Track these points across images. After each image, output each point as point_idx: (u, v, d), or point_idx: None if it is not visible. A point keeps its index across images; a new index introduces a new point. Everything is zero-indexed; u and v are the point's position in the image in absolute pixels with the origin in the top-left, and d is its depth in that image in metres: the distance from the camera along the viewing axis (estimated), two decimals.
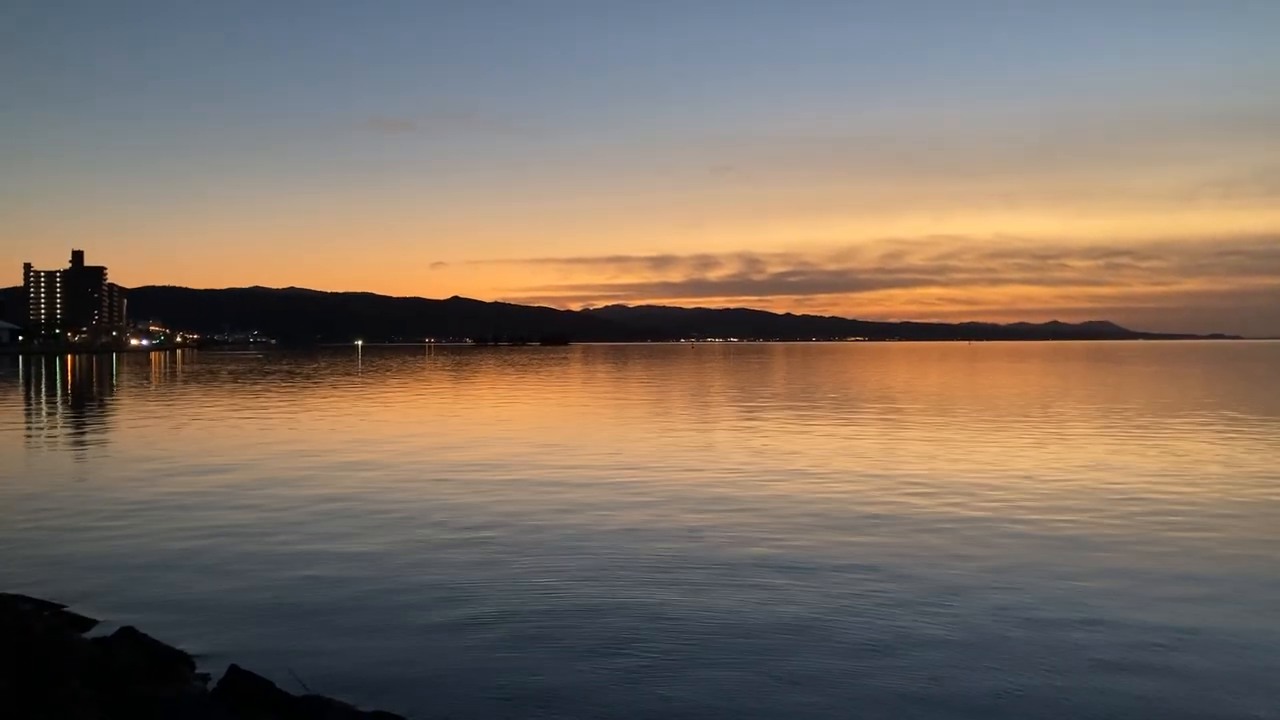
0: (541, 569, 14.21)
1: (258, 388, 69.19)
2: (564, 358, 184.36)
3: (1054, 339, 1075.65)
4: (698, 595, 12.80)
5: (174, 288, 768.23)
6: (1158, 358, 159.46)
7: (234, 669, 9.41)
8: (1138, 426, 35.36)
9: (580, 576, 13.78)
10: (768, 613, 12.01)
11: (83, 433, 35.95)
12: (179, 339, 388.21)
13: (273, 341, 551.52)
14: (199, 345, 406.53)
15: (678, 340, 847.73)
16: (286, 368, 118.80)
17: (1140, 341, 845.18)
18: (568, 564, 14.51)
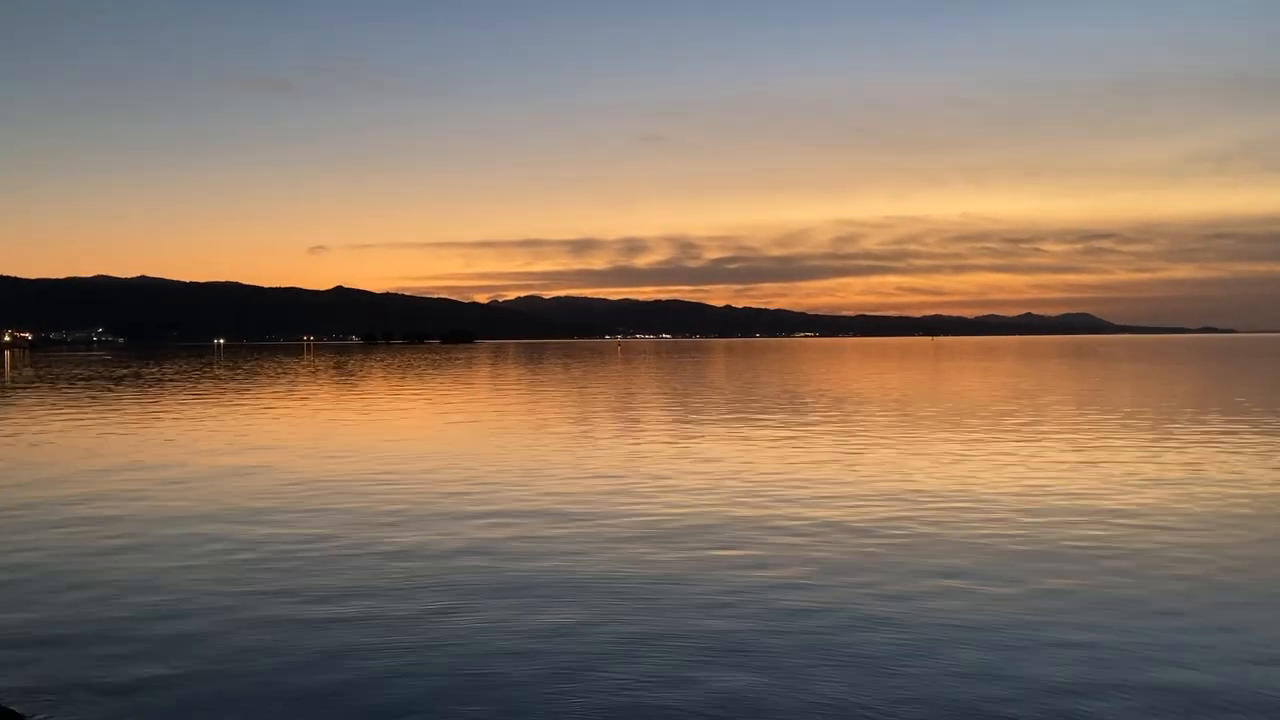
0: (398, 592, 14.52)
1: (92, 393, 66.19)
2: (469, 358, 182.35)
3: (1028, 333, 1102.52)
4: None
5: (1, 277, 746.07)
6: (1145, 355, 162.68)
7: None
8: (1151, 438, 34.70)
9: (442, 602, 14.56)
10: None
11: None
12: (8, 338, 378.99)
13: (120, 340, 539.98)
14: (31, 345, 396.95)
15: (602, 337, 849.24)
16: (123, 372, 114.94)
17: (1124, 336, 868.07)
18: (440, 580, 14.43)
